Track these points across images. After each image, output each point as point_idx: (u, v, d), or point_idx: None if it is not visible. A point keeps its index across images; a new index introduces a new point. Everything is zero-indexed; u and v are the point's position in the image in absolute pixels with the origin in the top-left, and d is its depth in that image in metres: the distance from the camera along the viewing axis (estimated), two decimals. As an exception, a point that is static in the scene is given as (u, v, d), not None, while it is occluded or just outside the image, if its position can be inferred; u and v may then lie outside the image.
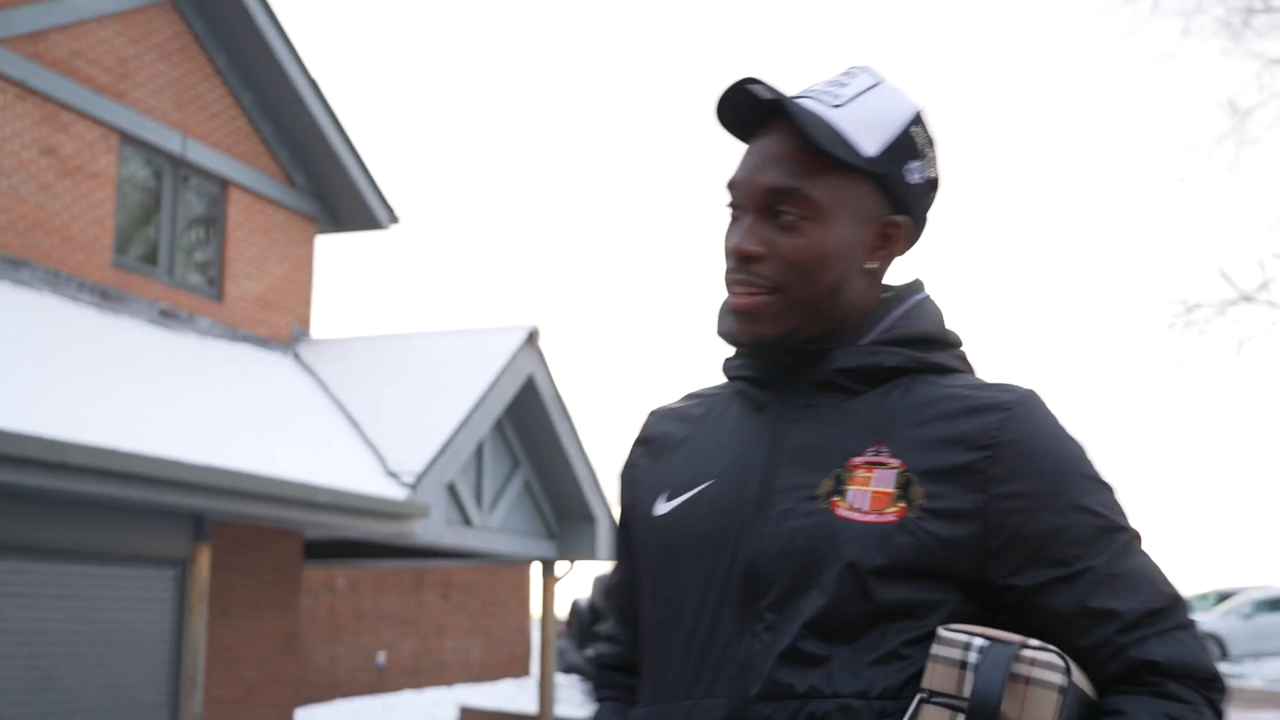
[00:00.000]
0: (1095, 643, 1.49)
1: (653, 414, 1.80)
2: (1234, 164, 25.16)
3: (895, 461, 1.53)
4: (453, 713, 18.71)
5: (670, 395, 1.83)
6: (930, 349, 1.63)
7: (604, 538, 15.65)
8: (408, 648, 22.64)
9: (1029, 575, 1.51)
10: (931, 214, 1.69)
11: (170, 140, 12.63)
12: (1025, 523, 1.51)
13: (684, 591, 1.60)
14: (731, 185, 1.63)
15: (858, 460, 1.54)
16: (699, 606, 1.58)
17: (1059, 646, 1.49)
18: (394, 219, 15.11)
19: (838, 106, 1.59)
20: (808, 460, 1.57)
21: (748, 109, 1.62)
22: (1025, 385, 1.59)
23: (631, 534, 1.74)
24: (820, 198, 1.57)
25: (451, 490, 12.81)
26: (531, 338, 13.73)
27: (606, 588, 1.85)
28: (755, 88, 1.58)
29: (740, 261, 1.59)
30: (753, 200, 1.59)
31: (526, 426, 14.43)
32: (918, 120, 1.63)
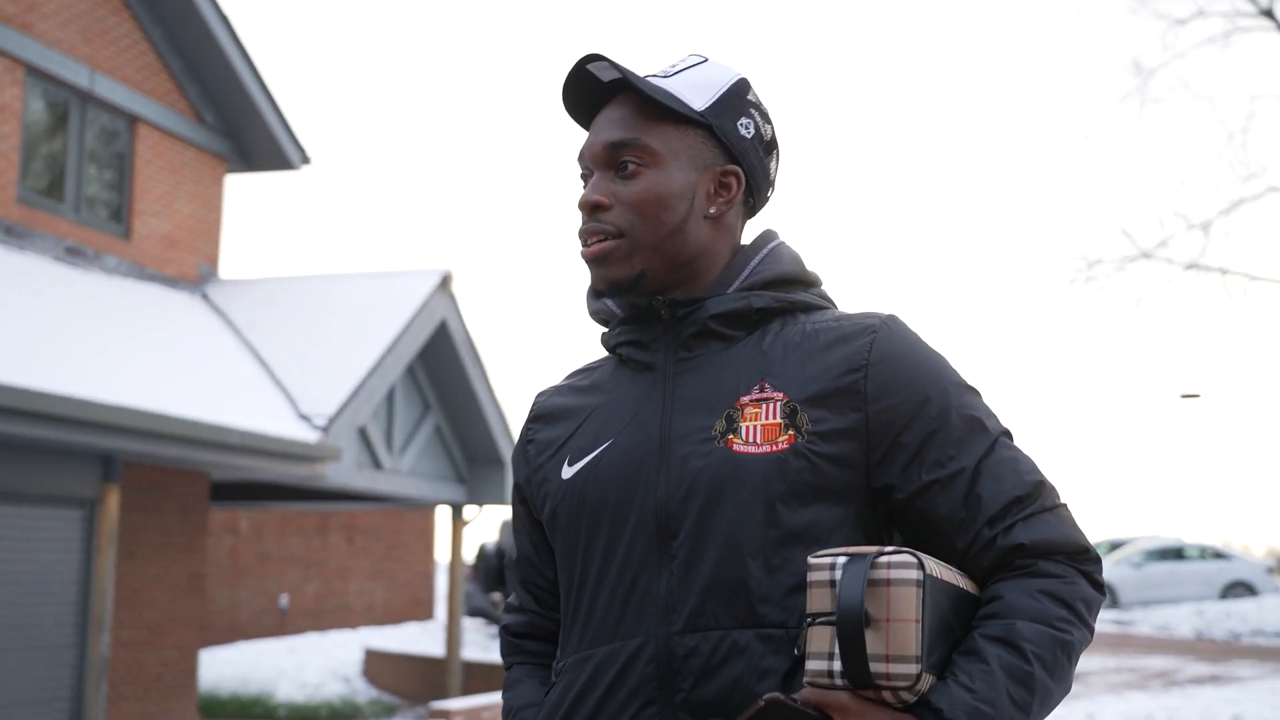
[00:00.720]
0: (969, 540, 1.62)
1: (540, 394, 1.93)
2: (1137, 122, 25.62)
3: (779, 395, 1.66)
4: (357, 655, 18.72)
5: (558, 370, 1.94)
6: (793, 289, 1.77)
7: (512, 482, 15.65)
8: (311, 590, 22.59)
9: (911, 481, 1.64)
10: (775, 177, 1.84)
11: (77, 74, 12.37)
12: (902, 431, 1.65)
13: (601, 545, 1.71)
14: (580, 156, 1.78)
15: (745, 399, 1.67)
16: (611, 558, 1.69)
17: (944, 553, 1.63)
18: (306, 159, 14.94)
19: (667, 78, 1.77)
20: (699, 406, 1.69)
21: (589, 93, 1.78)
22: (885, 310, 1.74)
23: (534, 506, 1.85)
24: (656, 145, 1.73)
25: (362, 434, 12.78)
26: (445, 282, 13.69)
27: (510, 560, 1.96)
28: (595, 66, 1.73)
29: (589, 213, 1.74)
30: (596, 159, 1.75)
31: (438, 371, 14.41)
32: (744, 85, 1.79)
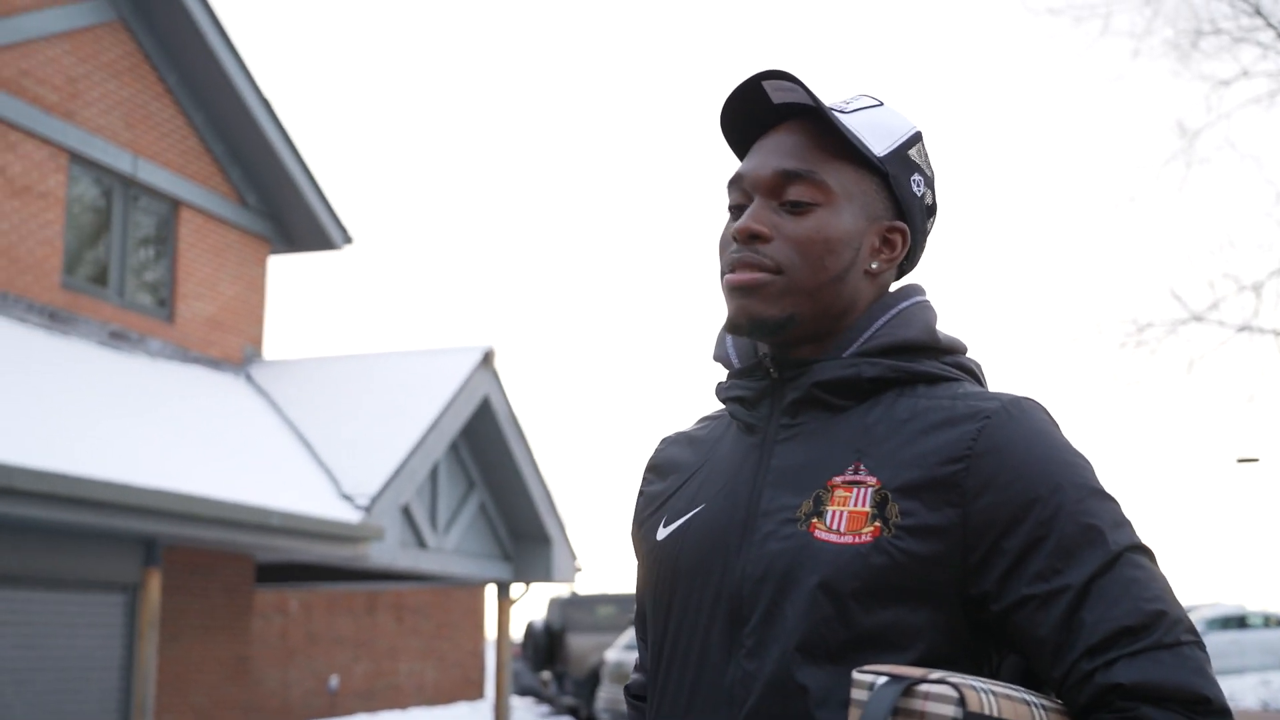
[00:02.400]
0: (1065, 670, 1.40)
1: (662, 440, 1.79)
2: (1183, 184, 25.44)
3: (872, 479, 1.48)
4: (407, 736, 18.54)
5: (660, 420, 1.82)
6: (916, 357, 1.58)
7: (559, 560, 15.57)
8: (361, 671, 22.45)
9: (1008, 593, 1.43)
10: (928, 241, 1.67)
11: (120, 160, 12.49)
12: (1004, 534, 1.44)
13: (679, 617, 1.58)
14: (737, 179, 1.60)
15: (838, 480, 1.50)
16: (691, 632, 1.56)
17: (1041, 677, 1.44)
18: (348, 239, 15.02)
19: (845, 114, 1.60)
20: (790, 481, 1.53)
21: (754, 112, 1.61)
22: (1014, 393, 1.53)
23: (639, 562, 1.72)
24: (833, 183, 1.55)
25: (406, 512, 12.70)
26: (487, 358, 13.66)
27: (635, 616, 1.84)
28: (769, 85, 1.56)
29: (745, 241, 1.55)
30: (762, 186, 1.56)
31: (482, 448, 14.34)
32: (919, 140, 1.64)
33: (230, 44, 13.32)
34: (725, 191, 1.63)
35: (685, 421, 1.82)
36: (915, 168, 1.61)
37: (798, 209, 1.55)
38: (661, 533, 1.65)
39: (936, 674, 1.34)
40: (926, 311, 1.61)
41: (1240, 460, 28.71)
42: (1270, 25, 27.56)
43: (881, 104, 1.64)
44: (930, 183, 1.64)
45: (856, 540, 1.46)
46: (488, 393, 13.75)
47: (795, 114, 1.59)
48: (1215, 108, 26.34)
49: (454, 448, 13.83)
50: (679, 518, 1.62)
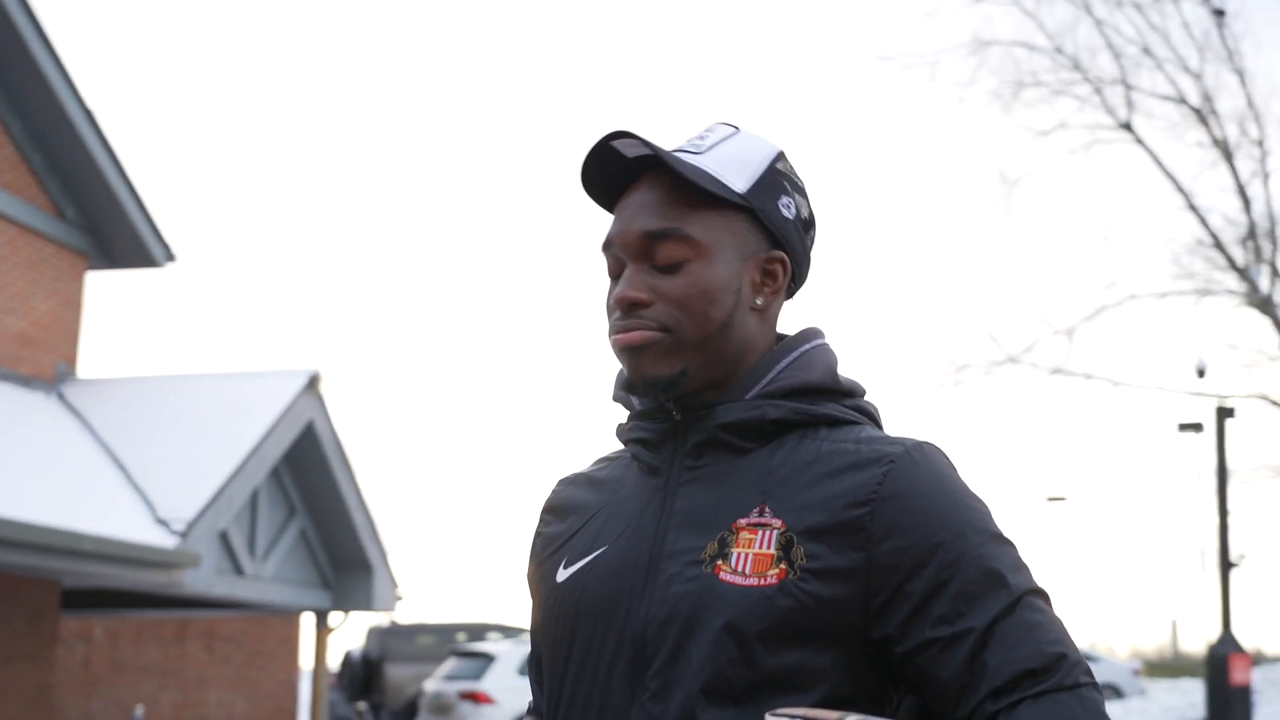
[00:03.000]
0: (968, 711, 1.42)
1: (560, 482, 1.77)
2: (1003, 230, 26.29)
3: (777, 522, 1.49)
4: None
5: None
6: (818, 400, 1.58)
7: (380, 588, 15.35)
8: (168, 700, 21.76)
9: (912, 635, 1.45)
10: (812, 254, 1.67)
11: (-69, 166, 11.97)
12: (907, 578, 1.45)
13: (580, 660, 1.56)
14: (607, 244, 1.60)
15: (742, 522, 1.50)
16: (593, 676, 1.54)
17: (940, 718, 1.45)
18: (170, 256, 14.60)
19: (700, 154, 1.59)
20: (694, 523, 1.53)
21: (614, 171, 1.61)
22: (917, 438, 1.55)
23: (535, 604, 1.69)
24: (699, 235, 1.55)
25: (224, 538, 12.37)
26: (313, 382, 13.40)
27: (527, 659, 1.79)
28: (621, 143, 1.56)
29: (626, 311, 1.55)
30: (630, 250, 1.57)
31: (305, 473, 14.05)
32: (781, 158, 1.63)
33: (52, 51, 12.86)
34: (601, 255, 1.63)
35: (573, 461, 1.82)
36: (781, 190, 1.61)
37: (671, 269, 1.55)
38: (561, 574, 1.62)
39: (853, 716, 1.35)
40: (827, 354, 1.63)
41: (1049, 499, 29.61)
42: (1088, 80, 28.67)
43: (738, 130, 1.64)
44: (801, 195, 1.64)
45: (762, 583, 1.46)
46: (312, 417, 13.49)
47: (651, 165, 1.59)
48: (1034, 157, 27.29)
49: (275, 473, 13.52)
50: (580, 559, 1.61)
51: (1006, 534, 1.51)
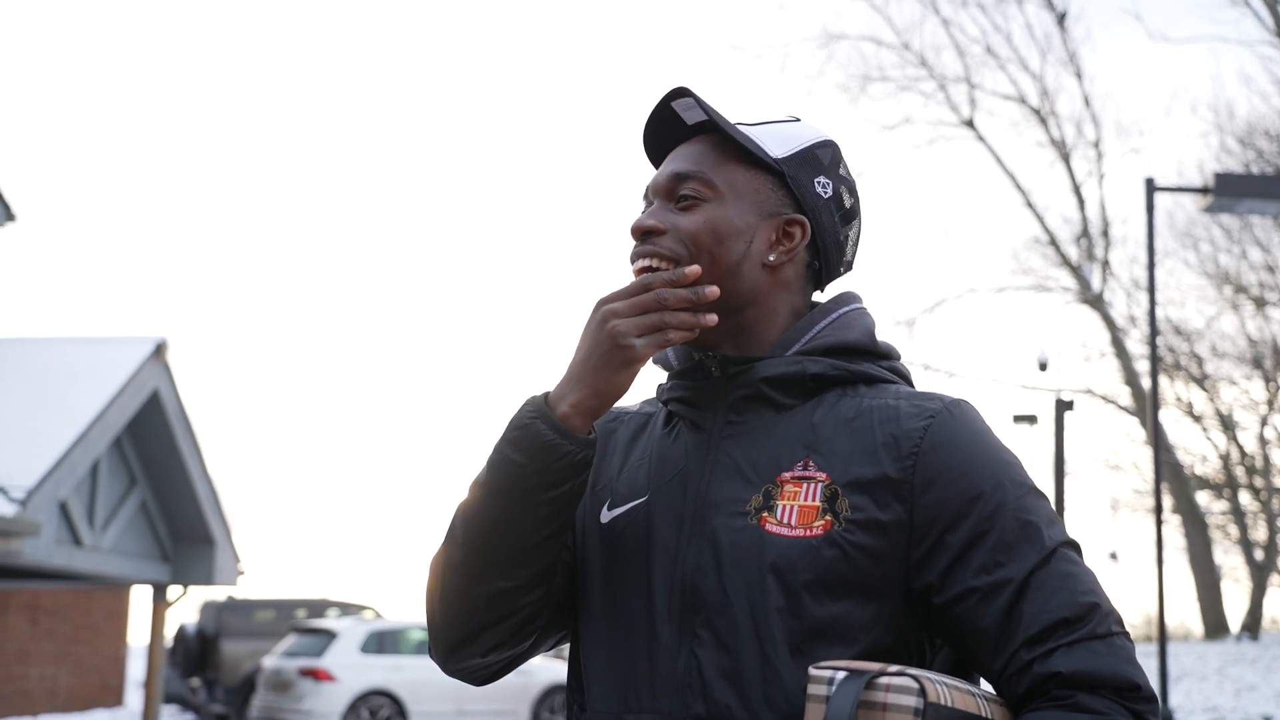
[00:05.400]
0: (1005, 660, 1.48)
1: (615, 409, 1.79)
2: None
3: (822, 475, 1.54)
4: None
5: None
6: (857, 359, 1.65)
7: (222, 562, 15.06)
8: (-12, 675, 21.09)
9: (952, 585, 1.50)
10: (853, 252, 1.74)
11: None
12: (948, 529, 1.51)
13: (628, 603, 1.60)
14: (645, 192, 1.70)
15: (787, 475, 1.56)
16: (641, 620, 1.58)
17: (981, 671, 1.52)
18: (10, 216, 14.12)
19: (754, 126, 1.71)
20: (740, 475, 1.58)
21: (674, 135, 1.72)
22: (953, 394, 1.61)
23: (578, 527, 1.71)
24: (718, 181, 1.65)
25: (63, 508, 12.01)
26: (159, 350, 13.09)
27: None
28: (680, 104, 1.67)
29: (640, 238, 1.65)
30: (658, 189, 1.67)
31: (148, 443, 13.72)
32: (828, 145, 1.72)
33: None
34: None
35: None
36: (820, 169, 1.69)
37: (685, 203, 1.64)
38: (606, 515, 1.66)
39: (894, 667, 1.41)
40: (865, 317, 1.70)
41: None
42: (933, 76, 29.28)
43: (798, 120, 1.75)
44: (844, 185, 1.71)
45: (808, 534, 1.52)
46: (158, 386, 13.18)
47: (704, 131, 1.70)
48: (879, 151, 27.84)
49: (118, 442, 13.19)
50: (623, 503, 1.65)
51: (1039, 488, 1.57)
